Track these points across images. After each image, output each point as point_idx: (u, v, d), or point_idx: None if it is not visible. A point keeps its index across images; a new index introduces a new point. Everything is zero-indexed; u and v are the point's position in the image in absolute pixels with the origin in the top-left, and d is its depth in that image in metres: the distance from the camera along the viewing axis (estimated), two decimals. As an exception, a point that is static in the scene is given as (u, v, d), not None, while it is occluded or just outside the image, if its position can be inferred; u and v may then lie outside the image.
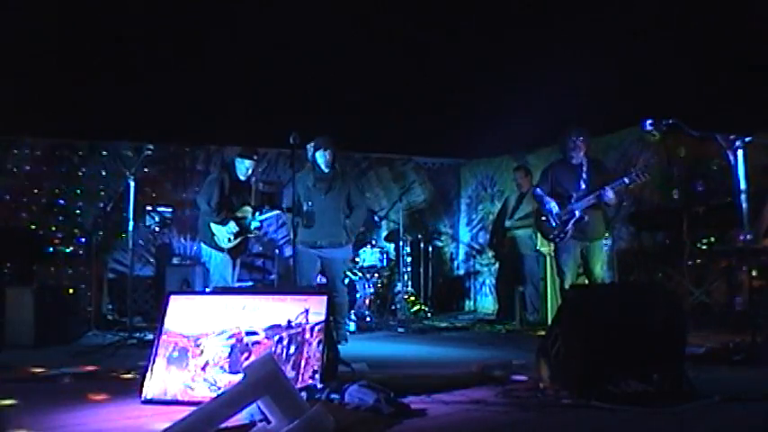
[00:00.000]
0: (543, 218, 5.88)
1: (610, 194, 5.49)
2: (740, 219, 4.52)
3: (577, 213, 5.62)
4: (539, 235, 7.29)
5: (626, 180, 5.42)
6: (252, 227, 6.19)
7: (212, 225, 6.03)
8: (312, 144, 5.86)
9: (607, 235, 6.37)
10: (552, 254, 7.23)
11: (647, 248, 7.12)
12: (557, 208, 5.75)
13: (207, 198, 6.10)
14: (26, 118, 7.71)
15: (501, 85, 7.82)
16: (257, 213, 6.22)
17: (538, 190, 5.99)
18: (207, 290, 6.10)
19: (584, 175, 5.73)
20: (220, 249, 6.06)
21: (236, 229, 6.06)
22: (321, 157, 5.83)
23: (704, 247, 6.66)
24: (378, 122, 8.64)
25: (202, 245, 6.26)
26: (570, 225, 5.65)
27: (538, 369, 3.55)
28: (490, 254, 9.30)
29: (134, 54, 7.96)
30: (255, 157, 6.29)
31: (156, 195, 8.57)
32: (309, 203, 5.75)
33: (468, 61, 8.36)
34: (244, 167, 6.18)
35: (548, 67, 7.31)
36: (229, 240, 6.05)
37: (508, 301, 7.82)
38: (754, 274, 5.54)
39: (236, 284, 6.34)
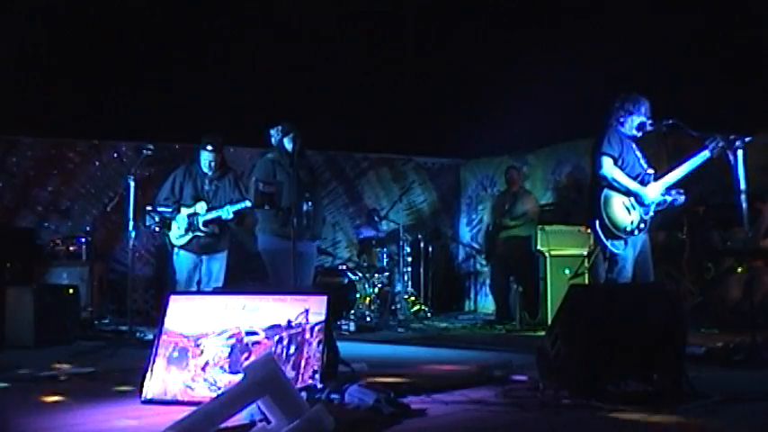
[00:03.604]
0: (618, 204, 4.79)
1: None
2: (740, 219, 4.52)
3: (661, 198, 4.81)
4: (539, 235, 7.29)
5: (710, 153, 4.61)
6: (200, 223, 5.80)
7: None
8: (279, 129, 5.59)
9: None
10: (548, 253, 7.23)
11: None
12: (640, 188, 4.77)
13: (160, 195, 5.97)
14: (26, 118, 7.72)
15: (501, 85, 7.83)
16: (228, 206, 5.72)
17: (609, 161, 4.78)
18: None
19: (639, 154, 4.92)
20: (173, 246, 5.92)
21: (186, 224, 5.83)
22: (289, 143, 5.56)
23: (704, 247, 6.67)
24: (378, 122, 8.64)
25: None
26: (652, 213, 4.80)
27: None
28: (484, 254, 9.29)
29: (134, 54, 7.97)
30: (210, 147, 5.89)
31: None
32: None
33: (468, 61, 8.36)
34: (204, 160, 5.93)
35: (548, 68, 7.32)
36: (180, 236, 5.85)
37: (505, 301, 7.81)
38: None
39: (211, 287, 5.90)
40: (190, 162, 6.13)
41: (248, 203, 5.56)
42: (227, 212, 5.70)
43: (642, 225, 4.77)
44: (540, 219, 7.76)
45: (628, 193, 4.80)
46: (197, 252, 5.92)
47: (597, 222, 4.81)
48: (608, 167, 4.79)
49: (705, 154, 4.67)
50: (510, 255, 7.73)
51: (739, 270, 6.24)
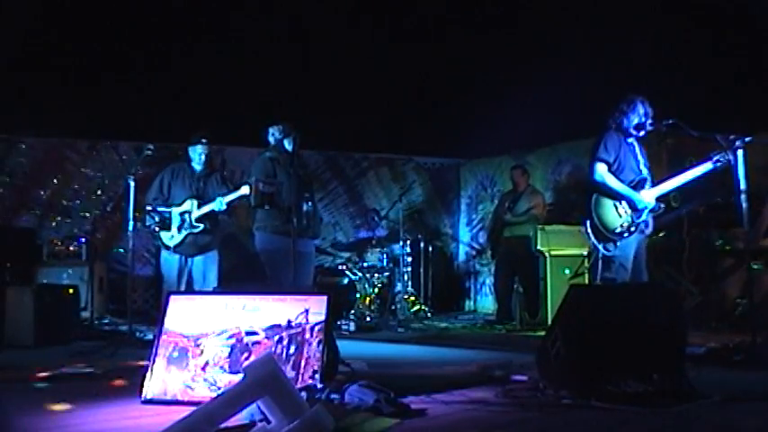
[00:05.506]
0: (608, 206, 4.83)
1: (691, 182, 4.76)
2: (740, 219, 4.52)
3: (654, 203, 4.79)
4: (539, 235, 7.28)
5: (713, 165, 4.62)
6: (192, 220, 5.76)
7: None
8: (279, 128, 5.62)
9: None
10: (548, 253, 7.22)
11: (647, 248, 7.11)
12: (633, 194, 4.78)
13: (148, 195, 5.92)
14: (26, 118, 7.72)
15: (501, 85, 7.83)
16: (219, 198, 5.68)
17: (603, 168, 4.83)
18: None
19: (640, 158, 4.94)
20: (166, 248, 5.84)
21: (179, 222, 5.79)
22: (290, 144, 5.56)
23: (704, 247, 6.67)
24: (378, 122, 8.64)
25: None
26: (646, 216, 4.80)
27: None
28: (489, 252, 9.28)
29: (134, 53, 7.97)
30: (204, 141, 5.90)
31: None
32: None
33: (467, 61, 8.36)
34: (196, 154, 5.92)
35: (548, 67, 7.32)
36: (172, 237, 5.80)
37: (507, 300, 7.81)
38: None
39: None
40: (176, 162, 6.10)
41: (244, 191, 5.50)
42: (220, 204, 5.68)
43: (633, 228, 4.77)
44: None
45: (620, 197, 4.83)
46: (190, 252, 5.85)
47: (588, 223, 4.87)
48: (601, 173, 4.84)
49: (708, 166, 4.68)
50: (513, 253, 7.71)
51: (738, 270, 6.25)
